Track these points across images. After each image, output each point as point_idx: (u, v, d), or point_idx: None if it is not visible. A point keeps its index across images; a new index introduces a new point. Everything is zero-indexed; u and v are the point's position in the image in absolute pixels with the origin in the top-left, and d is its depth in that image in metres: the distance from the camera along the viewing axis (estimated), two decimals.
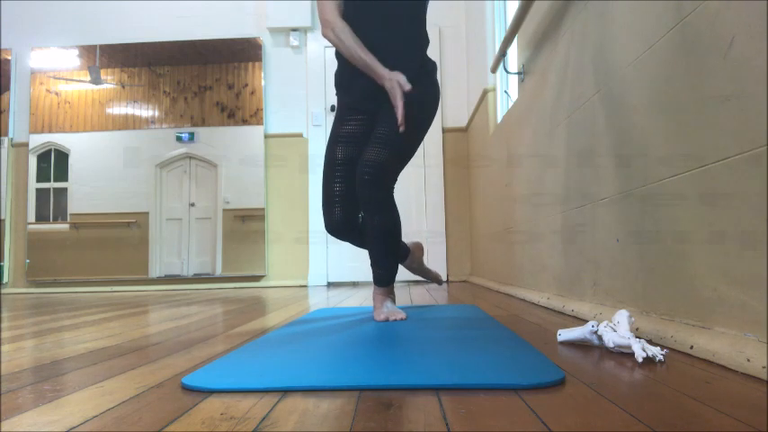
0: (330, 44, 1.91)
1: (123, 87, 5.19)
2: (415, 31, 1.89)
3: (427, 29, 1.97)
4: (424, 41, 1.93)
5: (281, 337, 1.46)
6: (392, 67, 1.78)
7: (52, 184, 5.16)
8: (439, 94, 1.94)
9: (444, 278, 4.92)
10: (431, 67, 1.93)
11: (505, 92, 3.62)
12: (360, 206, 1.89)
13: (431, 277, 2.32)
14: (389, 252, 1.88)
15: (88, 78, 5.21)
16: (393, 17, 1.84)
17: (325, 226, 1.94)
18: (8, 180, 5.17)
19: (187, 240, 5.05)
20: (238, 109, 5.12)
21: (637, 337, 1.19)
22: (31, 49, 5.28)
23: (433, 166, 5.00)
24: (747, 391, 0.83)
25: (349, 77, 1.90)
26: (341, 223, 1.91)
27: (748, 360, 0.95)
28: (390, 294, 1.94)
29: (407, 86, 1.73)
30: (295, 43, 5.14)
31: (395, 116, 1.79)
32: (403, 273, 4.87)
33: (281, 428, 0.70)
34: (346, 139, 1.91)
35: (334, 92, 1.99)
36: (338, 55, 1.91)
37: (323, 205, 1.93)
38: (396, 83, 1.73)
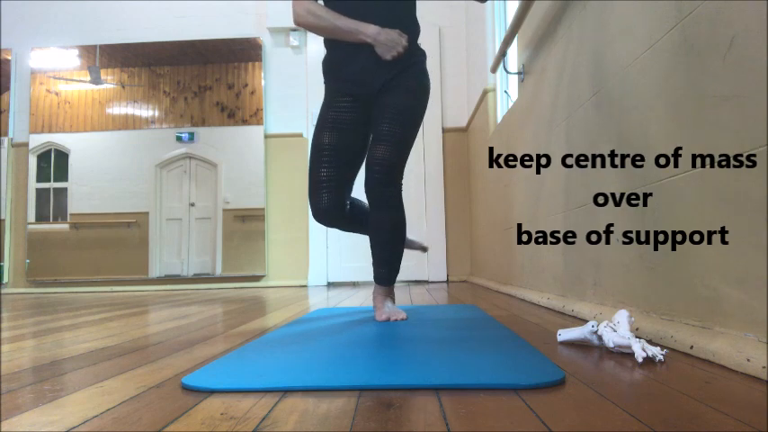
0: (311, 32, 1.90)
1: (123, 87, 5.19)
2: (410, 24, 1.89)
3: (427, 29, 1.97)
4: (418, 31, 1.94)
5: (281, 337, 1.46)
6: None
7: (52, 184, 5.16)
8: (430, 83, 1.94)
9: (444, 277, 4.92)
10: (422, 56, 1.93)
11: (505, 92, 3.62)
12: (347, 192, 1.89)
13: (415, 247, 2.26)
14: (394, 251, 1.87)
15: (88, 78, 5.21)
16: (390, 16, 1.83)
17: (312, 213, 1.91)
18: (8, 180, 5.17)
19: (187, 240, 5.05)
20: (238, 109, 5.12)
21: (637, 337, 1.19)
22: (31, 49, 5.28)
23: (433, 166, 5.00)
24: (747, 391, 0.83)
25: (339, 63, 1.88)
26: (328, 209, 1.87)
27: (748, 360, 0.95)
28: (390, 294, 1.94)
29: (405, 36, 1.79)
30: (295, 43, 5.14)
31: (395, 112, 1.81)
32: (403, 273, 4.87)
33: (281, 428, 0.70)
34: (333, 125, 1.88)
35: (322, 80, 1.97)
36: (326, 42, 1.90)
37: (309, 191, 1.90)
38: (389, 34, 1.78)
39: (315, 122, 5.03)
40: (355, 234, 4.70)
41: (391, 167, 1.78)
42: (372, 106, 1.89)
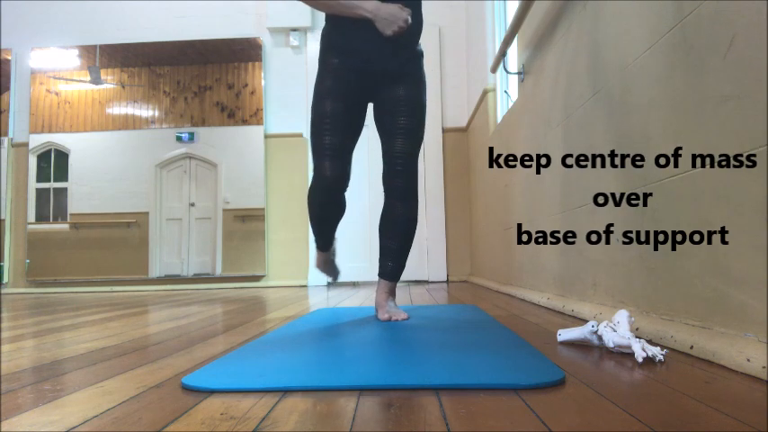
0: (310, 6, 1.88)
1: (123, 87, 5.19)
2: (415, 16, 1.88)
3: (427, 29, 1.98)
4: (422, 27, 1.95)
5: (281, 337, 1.46)
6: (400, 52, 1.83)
7: (52, 184, 5.16)
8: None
9: (444, 277, 4.92)
10: (421, 50, 1.96)
11: (505, 92, 3.62)
12: (348, 164, 1.87)
13: (334, 273, 2.27)
14: (405, 244, 1.90)
15: (88, 78, 5.21)
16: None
17: (315, 184, 1.86)
18: (8, 180, 5.17)
19: (187, 240, 5.05)
20: (238, 109, 5.12)
21: (637, 337, 1.19)
22: (31, 49, 5.28)
23: (433, 165, 5.00)
24: (747, 391, 0.83)
25: (342, 36, 1.85)
26: (332, 177, 1.82)
27: (748, 360, 0.95)
28: (393, 293, 1.94)
29: (407, 10, 1.77)
30: (295, 43, 5.14)
31: (409, 105, 1.84)
32: (403, 273, 4.87)
33: (281, 428, 0.70)
34: (333, 94, 1.84)
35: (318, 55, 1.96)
36: (328, 17, 1.88)
37: (314, 159, 1.85)
38: (390, 8, 1.75)
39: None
40: (355, 233, 4.72)
41: (412, 159, 1.84)
42: (372, 83, 1.87)
